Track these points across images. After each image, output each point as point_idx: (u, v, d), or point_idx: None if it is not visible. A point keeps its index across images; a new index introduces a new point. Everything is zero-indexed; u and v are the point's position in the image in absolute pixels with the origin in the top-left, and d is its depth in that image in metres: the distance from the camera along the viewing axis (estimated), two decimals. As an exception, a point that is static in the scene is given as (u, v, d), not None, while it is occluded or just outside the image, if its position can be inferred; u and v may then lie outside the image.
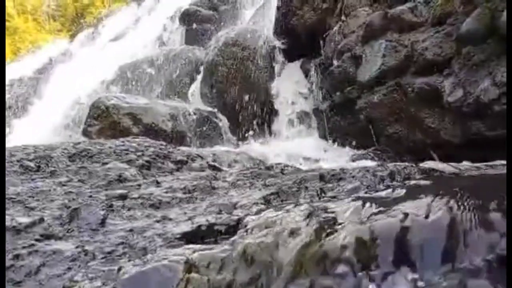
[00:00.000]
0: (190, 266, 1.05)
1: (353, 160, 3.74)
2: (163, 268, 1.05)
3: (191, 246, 1.19)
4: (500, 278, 0.80)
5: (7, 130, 6.39)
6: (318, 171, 2.05)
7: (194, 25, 7.76)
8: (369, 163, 3.03)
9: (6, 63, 9.40)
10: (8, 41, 16.11)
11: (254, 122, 5.24)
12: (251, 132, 5.20)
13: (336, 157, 3.95)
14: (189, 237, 1.37)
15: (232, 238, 1.16)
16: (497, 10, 3.02)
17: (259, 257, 1.03)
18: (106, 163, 2.31)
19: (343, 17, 4.72)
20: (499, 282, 0.79)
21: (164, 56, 6.56)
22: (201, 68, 5.95)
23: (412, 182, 1.65)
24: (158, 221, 1.58)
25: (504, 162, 2.06)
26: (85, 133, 4.72)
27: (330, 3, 5.04)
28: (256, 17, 6.98)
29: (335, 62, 4.52)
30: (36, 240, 1.46)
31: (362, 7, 4.51)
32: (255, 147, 4.62)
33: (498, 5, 3.02)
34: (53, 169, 2.23)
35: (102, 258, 1.34)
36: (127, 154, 2.47)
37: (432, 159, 3.41)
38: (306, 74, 5.34)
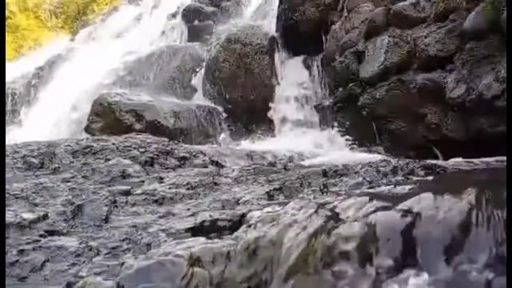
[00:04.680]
0: (194, 261, 1.06)
1: (356, 156, 3.73)
2: (167, 262, 1.06)
3: (195, 241, 1.20)
4: (503, 274, 0.80)
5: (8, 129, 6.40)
6: (320, 167, 2.06)
7: (196, 22, 7.75)
8: (372, 159, 3.02)
9: (8, 61, 9.40)
10: (10, 38, 16.10)
11: (256, 118, 5.24)
12: (253, 128, 5.20)
13: (339, 153, 3.95)
14: (193, 232, 1.38)
15: (236, 233, 1.17)
16: (500, 6, 3.01)
17: (263, 252, 1.04)
18: (109, 160, 2.31)
19: (345, 13, 4.70)
20: (501, 278, 0.80)
21: (166, 53, 6.55)
22: (203, 65, 5.95)
23: (415, 178, 1.65)
24: (161, 217, 1.59)
25: (505, 158, 2.06)
26: (88, 130, 4.73)
27: (332, -1, 5.03)
28: (258, 13, 6.97)
29: (337, 58, 4.50)
30: (41, 235, 1.47)
31: (364, 2, 4.49)
32: (257, 143, 4.62)
33: (501, 1, 3.01)
34: (56, 165, 2.24)
35: (107, 253, 1.35)
36: (130, 150, 2.47)
37: (435, 155, 3.41)
38: (309, 70, 5.32)
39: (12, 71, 7.84)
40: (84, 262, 1.31)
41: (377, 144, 3.96)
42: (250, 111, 5.28)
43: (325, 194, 1.59)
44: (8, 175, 2.03)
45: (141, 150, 2.49)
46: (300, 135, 4.81)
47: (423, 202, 1.00)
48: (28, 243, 1.41)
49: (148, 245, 1.35)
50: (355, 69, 4.20)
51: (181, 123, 4.82)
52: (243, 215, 1.37)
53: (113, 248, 1.38)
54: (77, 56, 8.04)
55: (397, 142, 3.82)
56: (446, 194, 1.02)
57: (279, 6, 5.66)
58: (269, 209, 1.25)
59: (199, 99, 5.70)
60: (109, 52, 7.50)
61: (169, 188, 1.90)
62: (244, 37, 5.56)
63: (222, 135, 5.12)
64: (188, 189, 1.89)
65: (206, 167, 2.42)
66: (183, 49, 6.61)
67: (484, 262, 0.82)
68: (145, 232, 1.45)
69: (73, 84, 6.49)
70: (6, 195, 1.76)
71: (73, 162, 2.31)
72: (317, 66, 5.15)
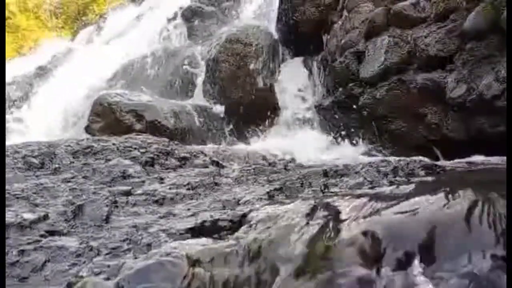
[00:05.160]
0: (194, 261, 1.06)
1: (356, 156, 3.73)
2: (167, 263, 1.06)
3: (195, 241, 1.20)
4: (502, 274, 0.80)
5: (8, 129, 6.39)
6: (321, 167, 2.06)
7: (196, 22, 7.74)
8: (372, 159, 3.03)
9: (8, 61, 9.39)
10: (10, 39, 16.10)
11: (257, 119, 5.24)
12: (253, 129, 5.20)
13: (339, 153, 3.95)
14: (193, 233, 1.38)
15: (236, 234, 1.17)
16: (500, 6, 3.01)
17: (263, 253, 1.03)
18: (110, 160, 2.31)
19: (345, 13, 4.70)
20: (500, 278, 0.80)
21: (166, 53, 6.55)
22: (203, 65, 5.94)
23: (416, 178, 1.65)
24: (162, 217, 1.59)
25: (505, 158, 2.07)
26: (88, 130, 4.73)
27: (332, -1, 5.03)
28: (258, 14, 6.97)
29: (337, 58, 4.51)
30: (41, 236, 1.47)
31: (364, 3, 4.49)
32: (258, 144, 4.62)
33: (501, 1, 3.01)
34: (57, 166, 2.24)
35: (107, 253, 1.35)
36: (130, 151, 2.47)
37: (435, 155, 3.41)
38: (309, 70, 5.32)
39: (13, 71, 7.83)
40: (84, 262, 1.31)
41: (378, 144, 3.97)
42: (250, 111, 5.27)
43: (325, 194, 1.59)
44: (8, 175, 2.03)
45: (142, 150, 2.49)
46: (300, 135, 4.81)
47: (424, 202, 1.00)
48: (28, 244, 1.41)
49: (149, 246, 1.35)
50: (355, 69, 4.20)
51: (181, 123, 4.82)
52: (243, 216, 1.37)
53: (113, 248, 1.38)
54: (77, 56, 8.04)
55: (397, 142, 3.82)
56: (446, 194, 1.02)
57: (279, 7, 5.66)
58: (269, 209, 1.25)
59: (199, 100, 5.69)
60: (109, 52, 7.50)
61: (170, 189, 1.90)
62: (244, 37, 5.56)
63: (223, 135, 5.12)
64: (188, 189, 1.89)
65: (207, 167, 2.42)
66: (183, 49, 6.61)
67: (485, 262, 0.82)
68: (145, 233, 1.45)
69: (73, 84, 6.49)
70: (7, 195, 1.76)
71: (73, 162, 2.31)
72: (317, 66, 5.15)
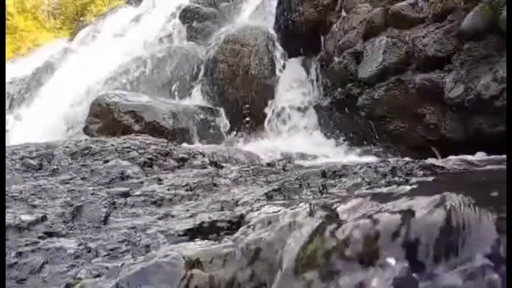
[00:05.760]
0: (193, 263, 1.05)
1: (355, 157, 3.74)
2: (166, 264, 1.06)
3: (193, 243, 1.20)
4: (501, 274, 0.80)
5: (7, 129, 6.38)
6: (319, 167, 2.06)
7: (195, 23, 7.75)
8: (371, 160, 3.03)
9: (6, 62, 9.38)
10: (8, 40, 16.07)
11: (255, 119, 5.24)
12: (252, 129, 5.20)
13: (338, 154, 3.95)
14: (192, 234, 1.38)
15: (235, 235, 1.17)
16: (499, 6, 3.01)
17: (262, 254, 1.03)
18: (108, 161, 2.31)
19: (343, 13, 4.71)
20: (500, 278, 0.80)
21: (164, 54, 6.55)
22: (202, 66, 5.95)
23: (414, 178, 1.65)
24: (160, 218, 1.59)
25: (504, 157, 2.07)
26: (87, 131, 4.73)
27: (331, -1, 5.03)
28: (256, 14, 6.97)
29: (336, 59, 4.51)
30: (39, 237, 1.47)
31: (362, 3, 4.50)
32: (256, 144, 4.62)
33: (499, 1, 3.01)
34: (55, 167, 2.24)
35: (105, 255, 1.34)
36: (128, 152, 2.47)
37: (433, 155, 3.41)
38: (307, 70, 5.33)
39: (11, 72, 7.82)
40: (83, 263, 1.30)
41: (376, 145, 3.97)
42: (248, 111, 5.28)
43: (324, 195, 1.59)
44: (6, 176, 2.03)
45: (140, 151, 2.49)
46: (298, 135, 4.81)
47: (423, 202, 1.00)
48: (26, 245, 1.41)
49: (147, 247, 1.35)
50: (353, 70, 4.20)
51: (180, 124, 4.82)
52: (242, 217, 1.37)
53: (112, 249, 1.37)
54: (75, 57, 8.03)
55: (396, 142, 3.83)
56: (445, 194, 1.02)
57: (277, 7, 5.67)
58: (268, 210, 1.25)
59: (197, 100, 5.70)
60: (107, 53, 7.50)
61: (168, 190, 1.90)
62: (242, 38, 5.57)
63: (221, 136, 5.12)
64: (187, 190, 1.89)
65: (205, 168, 2.42)
66: (181, 50, 6.62)
67: (484, 262, 0.82)
68: (144, 234, 1.45)
69: (71, 85, 6.48)
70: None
71: (71, 163, 2.31)
72: (316, 67, 5.15)
